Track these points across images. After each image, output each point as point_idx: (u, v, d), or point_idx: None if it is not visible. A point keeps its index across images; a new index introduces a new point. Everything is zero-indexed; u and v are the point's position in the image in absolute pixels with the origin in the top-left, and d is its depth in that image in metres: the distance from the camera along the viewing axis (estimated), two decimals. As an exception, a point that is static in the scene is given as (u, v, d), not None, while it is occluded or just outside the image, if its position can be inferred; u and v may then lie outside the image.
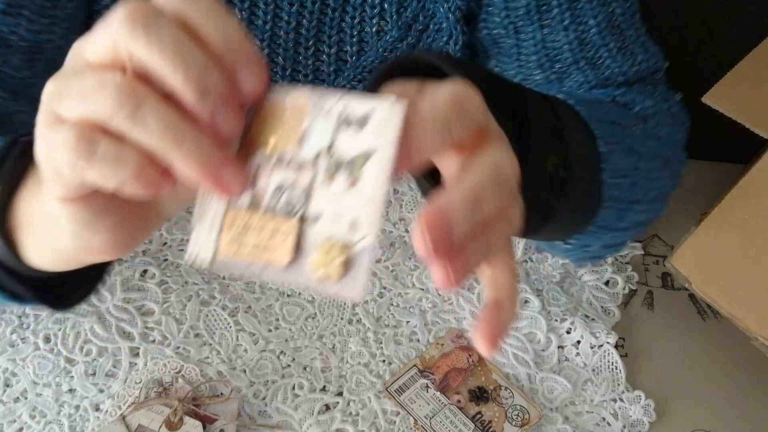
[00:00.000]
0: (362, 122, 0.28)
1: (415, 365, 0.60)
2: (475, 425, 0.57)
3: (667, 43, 1.03)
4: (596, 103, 0.53)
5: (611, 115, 0.52)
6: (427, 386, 0.59)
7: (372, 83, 0.40)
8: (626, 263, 0.74)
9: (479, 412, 0.58)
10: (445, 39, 0.67)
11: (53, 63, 0.62)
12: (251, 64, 0.29)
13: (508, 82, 0.43)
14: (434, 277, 0.28)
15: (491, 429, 0.57)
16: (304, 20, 0.66)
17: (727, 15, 0.98)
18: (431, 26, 0.67)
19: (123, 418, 0.54)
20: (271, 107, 0.30)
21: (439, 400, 0.58)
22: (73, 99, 0.29)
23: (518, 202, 0.32)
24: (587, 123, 0.48)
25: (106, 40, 0.29)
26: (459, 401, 0.58)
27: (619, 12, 0.62)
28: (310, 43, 0.68)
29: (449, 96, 0.29)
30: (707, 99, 0.58)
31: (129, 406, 0.54)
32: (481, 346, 0.30)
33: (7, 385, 0.55)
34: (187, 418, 0.54)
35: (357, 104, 0.28)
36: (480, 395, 0.59)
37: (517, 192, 0.32)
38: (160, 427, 0.53)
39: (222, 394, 0.56)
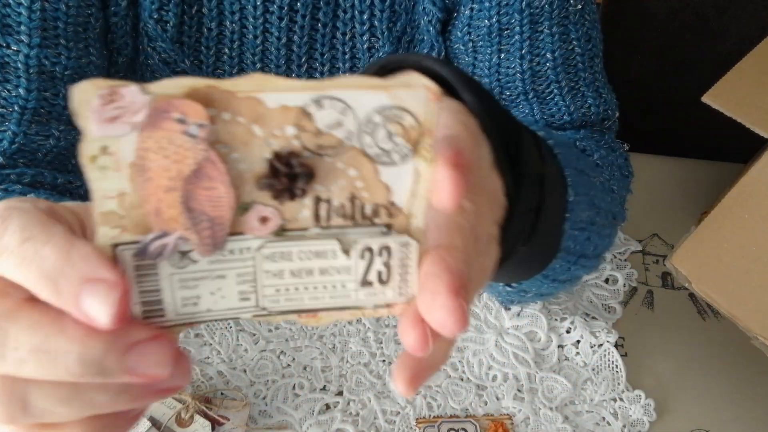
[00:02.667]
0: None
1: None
2: (336, 236, 0.25)
3: (667, 43, 1.03)
4: (569, 147, 0.52)
5: (581, 163, 0.51)
6: (186, 256, 0.24)
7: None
8: (625, 260, 0.74)
9: (318, 203, 0.25)
10: (426, 50, 0.67)
11: None
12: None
13: (504, 109, 0.41)
14: (451, 318, 0.24)
15: (366, 210, 0.25)
16: (295, 36, 0.65)
17: (727, 15, 0.98)
18: (416, 37, 0.66)
19: None
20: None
21: (237, 258, 0.25)
22: None
23: (494, 253, 0.31)
24: (562, 169, 0.47)
25: None
26: (264, 220, 0.24)
27: (578, 51, 0.62)
28: (303, 60, 0.67)
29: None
30: (707, 99, 0.58)
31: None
32: (398, 384, 0.26)
33: (7, 385, 0.55)
34: (197, 417, 0.54)
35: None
36: (284, 169, 0.23)
37: (495, 243, 0.31)
38: (169, 420, 0.53)
39: (234, 399, 0.57)
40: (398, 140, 0.24)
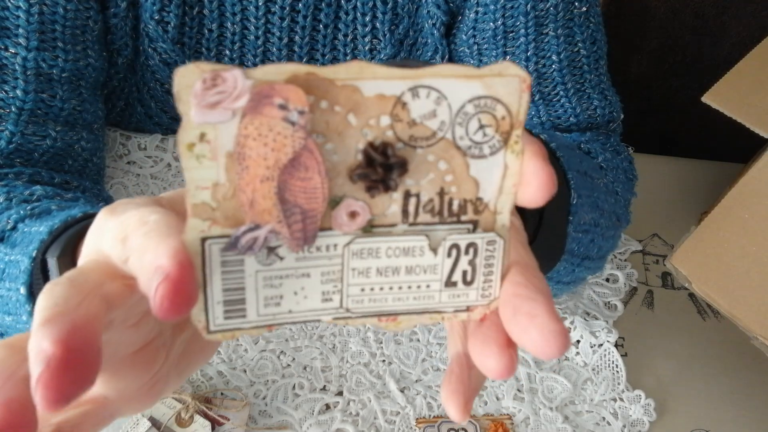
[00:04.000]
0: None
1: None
2: (424, 233, 0.24)
3: (667, 43, 1.03)
4: (572, 150, 0.52)
5: (584, 165, 0.51)
6: (274, 252, 0.24)
7: None
8: (625, 260, 0.74)
9: (407, 198, 0.24)
10: (430, 54, 0.67)
11: (96, 84, 0.62)
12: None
13: None
14: (498, 366, 0.23)
15: (454, 206, 0.24)
16: (297, 36, 0.65)
17: (727, 15, 0.98)
18: (419, 40, 0.67)
19: None
20: None
21: (324, 256, 0.24)
22: None
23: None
24: (565, 171, 0.47)
25: None
26: (354, 215, 0.24)
27: (583, 53, 0.62)
28: (304, 60, 0.67)
29: None
30: (707, 99, 0.58)
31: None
32: (452, 410, 0.25)
33: (8, 385, 0.55)
34: (197, 417, 0.54)
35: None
36: (379, 159, 0.23)
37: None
38: (169, 420, 0.53)
39: (234, 399, 0.57)
40: (490, 132, 0.23)
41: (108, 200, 0.60)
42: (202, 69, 0.20)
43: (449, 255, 0.25)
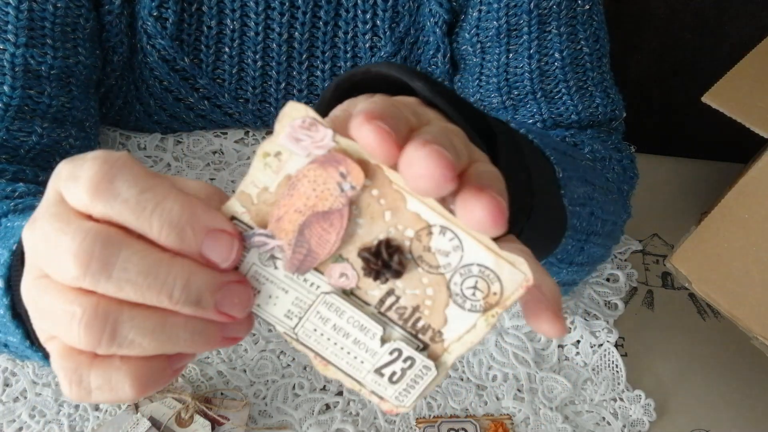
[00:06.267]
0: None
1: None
2: (384, 324, 0.29)
3: (667, 43, 1.03)
4: (546, 136, 0.52)
5: (562, 147, 0.51)
6: (273, 259, 0.28)
7: (325, 99, 0.36)
8: (625, 260, 0.74)
9: (390, 293, 0.28)
10: (432, 52, 0.67)
11: (88, 82, 0.62)
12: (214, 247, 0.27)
13: (466, 100, 0.39)
14: (484, 213, 0.25)
15: (419, 323, 0.28)
16: (296, 33, 0.65)
17: (727, 15, 0.99)
18: (421, 38, 0.67)
19: (136, 406, 0.54)
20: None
21: (304, 287, 0.29)
22: (47, 324, 0.28)
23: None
24: (542, 149, 0.46)
25: (69, 278, 0.26)
26: (344, 277, 0.28)
27: (586, 51, 0.63)
28: (304, 57, 0.67)
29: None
30: (707, 99, 0.58)
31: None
32: (546, 326, 0.28)
33: (7, 385, 0.55)
34: (197, 417, 0.54)
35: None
36: (385, 256, 0.27)
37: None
38: (169, 420, 0.53)
39: (234, 399, 0.57)
40: (479, 295, 0.27)
41: None
42: (307, 113, 0.26)
43: (391, 353, 0.29)
